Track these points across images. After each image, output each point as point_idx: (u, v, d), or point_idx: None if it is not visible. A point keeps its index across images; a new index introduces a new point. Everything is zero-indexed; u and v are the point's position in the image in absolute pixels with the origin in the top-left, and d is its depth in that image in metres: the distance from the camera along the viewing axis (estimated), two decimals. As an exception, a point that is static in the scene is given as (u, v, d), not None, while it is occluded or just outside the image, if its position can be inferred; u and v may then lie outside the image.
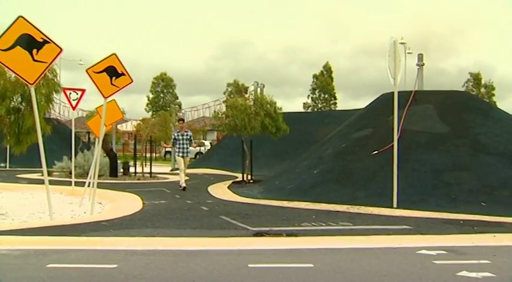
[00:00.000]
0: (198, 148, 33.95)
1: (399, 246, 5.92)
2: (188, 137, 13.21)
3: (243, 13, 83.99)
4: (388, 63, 9.31)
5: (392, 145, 9.50)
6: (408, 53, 27.60)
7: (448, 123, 11.35)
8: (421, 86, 14.07)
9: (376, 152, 10.82)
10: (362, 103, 58.89)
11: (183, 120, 14.94)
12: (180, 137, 13.15)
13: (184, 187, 12.90)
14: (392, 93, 9.69)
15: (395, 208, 8.93)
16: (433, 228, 7.09)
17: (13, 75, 7.86)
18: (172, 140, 13.60)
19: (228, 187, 13.70)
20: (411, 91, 12.35)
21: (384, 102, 12.53)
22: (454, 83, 52.64)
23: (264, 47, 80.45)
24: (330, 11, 78.17)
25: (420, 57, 14.99)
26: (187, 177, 13.38)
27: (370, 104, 14.24)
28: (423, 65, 14.82)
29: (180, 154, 13.17)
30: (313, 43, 77.78)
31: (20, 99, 8.06)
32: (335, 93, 53.69)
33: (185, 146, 13.13)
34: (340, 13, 79.14)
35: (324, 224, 7.47)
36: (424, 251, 5.43)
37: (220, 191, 12.83)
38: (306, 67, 76.93)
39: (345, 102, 74.91)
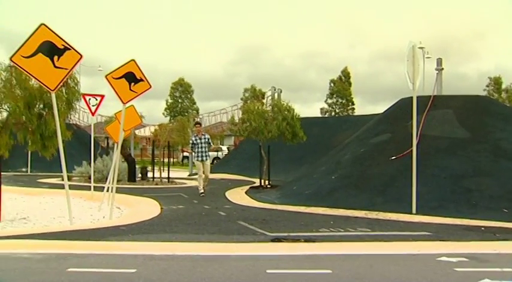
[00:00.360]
0: (215, 153, 34.06)
1: (419, 252, 5.85)
2: (206, 140, 12.89)
3: (261, 18, 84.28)
4: (407, 68, 9.25)
5: (411, 150, 9.41)
6: (427, 57, 27.25)
7: (468, 128, 11.21)
8: (440, 91, 13.95)
9: (394, 157, 10.73)
10: (380, 108, 58.56)
11: (200, 123, 14.78)
12: (198, 141, 12.85)
13: (202, 193, 12.75)
14: (411, 98, 9.61)
15: (414, 214, 8.84)
16: (453, 235, 6.99)
17: (36, 82, 7.99)
18: (191, 145, 13.40)
19: (246, 192, 13.71)
20: (430, 96, 12.24)
21: (402, 107, 12.44)
22: (475, 88, 51.98)
23: (281, 52, 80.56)
24: (348, 16, 77.93)
25: (439, 61, 14.87)
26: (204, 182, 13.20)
27: (388, 109, 14.14)
28: (442, 69, 14.70)
29: (199, 158, 12.83)
30: (331, 48, 77.60)
31: (42, 105, 8.19)
32: (352, 98, 53.45)
33: (203, 149, 12.78)
34: (358, 18, 78.82)
35: (342, 230, 7.42)
36: (444, 258, 5.35)
37: (238, 196, 12.85)
38: (324, 72, 76.79)
39: (362, 107, 74.41)
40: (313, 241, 6.55)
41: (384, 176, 10.60)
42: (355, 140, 13.39)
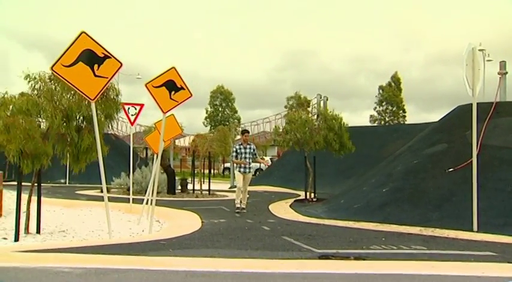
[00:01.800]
0: (257, 164, 34.02)
1: (483, 275, 5.62)
2: (252, 151, 12.35)
3: (308, 22, 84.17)
4: (466, 73, 8.99)
5: (471, 162, 9.12)
6: (488, 60, 26.53)
7: (536, 138, 10.77)
8: (504, 97, 13.50)
9: (451, 169, 10.44)
10: (435, 116, 57.13)
11: (248, 131, 13.92)
12: (243, 150, 12.30)
13: (240, 209, 12.11)
14: (470, 104, 9.34)
15: (476, 232, 8.53)
16: (522, 256, 6.70)
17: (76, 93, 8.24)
18: (233, 154, 12.63)
19: (290, 206, 13.65)
20: (492, 102, 11.85)
21: (460, 114, 12.12)
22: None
23: (329, 57, 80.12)
24: (401, 18, 76.68)
25: (502, 64, 14.42)
26: (247, 195, 12.72)
27: (444, 116, 13.81)
28: (506, 73, 14.26)
29: (242, 170, 12.28)
30: (382, 52, 76.63)
31: (81, 118, 8.43)
32: (404, 105, 52.49)
33: (247, 160, 12.29)
34: (413, 19, 77.42)
35: (395, 247, 7.26)
36: (513, 282, 5.14)
37: (282, 209, 12.80)
38: (375, 78, 76.06)
39: (416, 114, 73.06)
40: (364, 259, 6.43)
41: (440, 189, 10.32)
42: (407, 150, 13.12)
